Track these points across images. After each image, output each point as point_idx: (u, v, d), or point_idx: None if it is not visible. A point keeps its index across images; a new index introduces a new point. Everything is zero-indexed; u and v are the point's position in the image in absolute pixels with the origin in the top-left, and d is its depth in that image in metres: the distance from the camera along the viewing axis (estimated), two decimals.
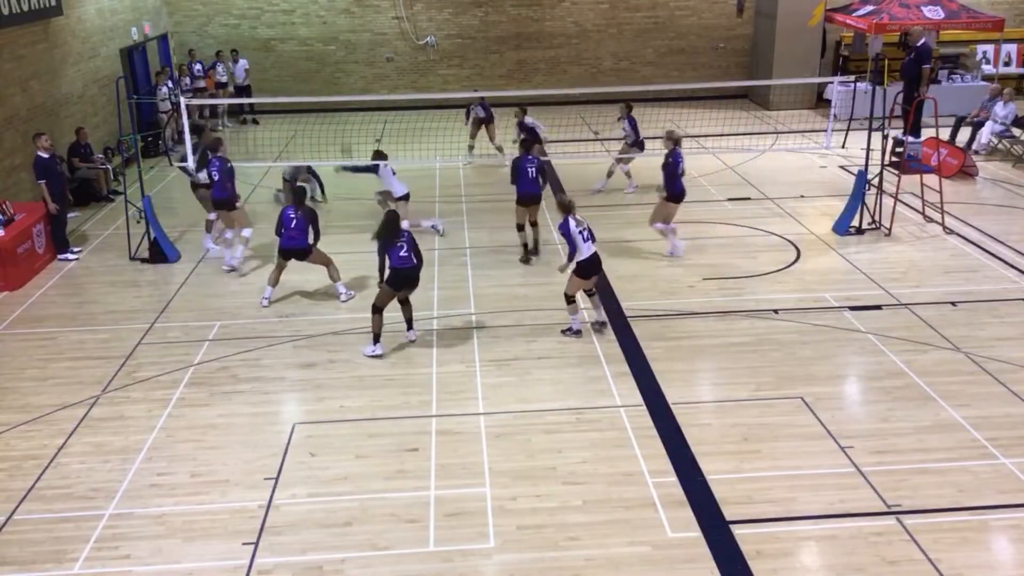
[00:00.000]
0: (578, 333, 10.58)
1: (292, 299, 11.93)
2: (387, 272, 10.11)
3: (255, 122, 22.74)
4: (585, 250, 10.28)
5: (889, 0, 20.95)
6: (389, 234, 10.03)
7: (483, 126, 18.20)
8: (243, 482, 7.95)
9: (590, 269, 10.38)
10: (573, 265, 10.39)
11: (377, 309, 10.13)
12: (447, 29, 24.16)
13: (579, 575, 6.75)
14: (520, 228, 13.08)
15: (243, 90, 22.29)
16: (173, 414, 9.14)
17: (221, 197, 12.83)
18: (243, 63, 22.46)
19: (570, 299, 10.54)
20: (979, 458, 8.08)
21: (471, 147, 18.36)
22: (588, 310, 10.89)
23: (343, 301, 11.73)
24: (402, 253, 10.01)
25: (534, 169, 12.79)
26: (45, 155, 13.20)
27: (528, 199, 12.86)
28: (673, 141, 12.82)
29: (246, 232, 13.05)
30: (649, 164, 15.52)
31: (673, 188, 12.76)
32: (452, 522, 7.34)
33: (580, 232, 10.26)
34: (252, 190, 17.09)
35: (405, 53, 24.28)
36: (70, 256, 13.56)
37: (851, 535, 7.09)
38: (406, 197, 13.83)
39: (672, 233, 13.01)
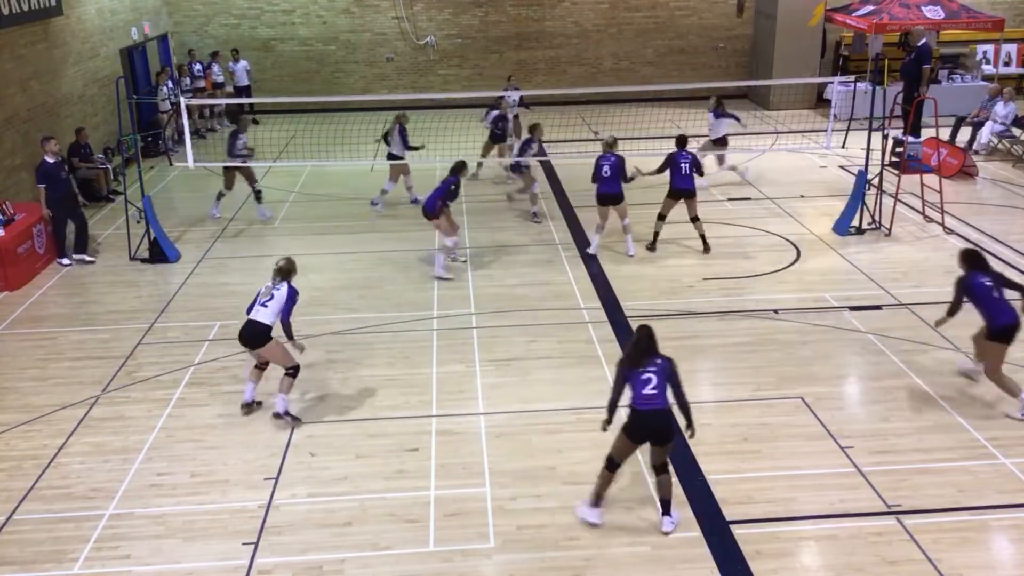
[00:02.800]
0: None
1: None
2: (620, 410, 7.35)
3: (255, 122, 22.71)
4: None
5: (889, 0, 20.95)
6: (635, 353, 7.11)
7: (498, 145, 16.89)
8: (243, 482, 7.95)
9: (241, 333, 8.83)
10: None
11: (612, 464, 7.20)
12: (447, 29, 24.16)
13: (579, 575, 6.76)
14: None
15: (243, 90, 22.26)
16: (173, 414, 9.13)
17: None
18: (244, 64, 22.40)
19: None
20: (979, 458, 8.08)
21: (480, 164, 17.32)
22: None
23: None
24: (647, 389, 6.98)
25: (609, 167, 12.62)
26: (51, 160, 13.01)
27: (605, 199, 12.74)
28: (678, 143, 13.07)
29: (449, 241, 12.60)
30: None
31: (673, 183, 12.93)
32: (452, 522, 7.34)
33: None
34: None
35: (405, 53, 24.28)
36: (64, 262, 13.31)
37: (851, 535, 7.09)
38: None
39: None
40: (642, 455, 7.64)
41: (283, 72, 24.10)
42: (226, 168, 15.02)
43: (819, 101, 23.34)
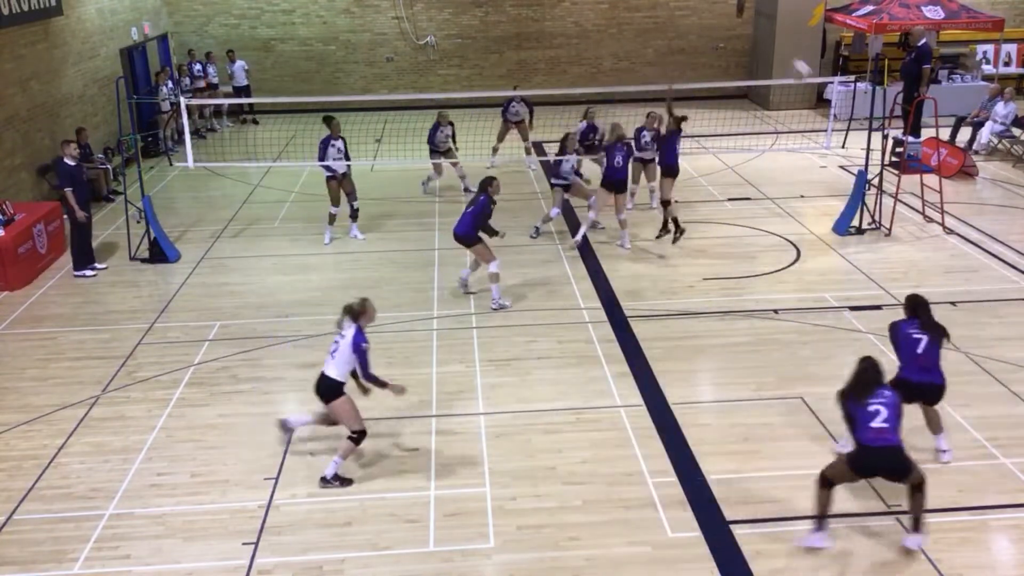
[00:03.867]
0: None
1: (292, 299, 11.93)
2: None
3: (255, 122, 22.74)
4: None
5: (889, 0, 20.94)
6: (859, 385, 6.75)
7: (516, 126, 17.55)
8: (243, 482, 7.95)
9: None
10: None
11: (827, 482, 6.87)
12: (447, 29, 24.16)
13: (579, 575, 6.76)
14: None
15: (243, 90, 22.24)
16: (173, 414, 9.14)
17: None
18: (241, 64, 22.33)
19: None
20: (979, 458, 8.08)
21: (496, 149, 17.74)
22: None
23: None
24: (875, 423, 6.53)
25: (622, 158, 13.08)
26: (72, 163, 12.72)
27: (612, 186, 13.12)
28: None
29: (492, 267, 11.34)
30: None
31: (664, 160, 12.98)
32: (452, 522, 7.34)
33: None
34: (252, 190, 17.09)
35: (405, 53, 24.27)
36: (88, 273, 12.83)
37: (851, 535, 7.08)
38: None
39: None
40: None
41: (283, 72, 24.10)
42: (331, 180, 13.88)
43: (819, 101, 23.34)
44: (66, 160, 12.77)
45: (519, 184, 17.00)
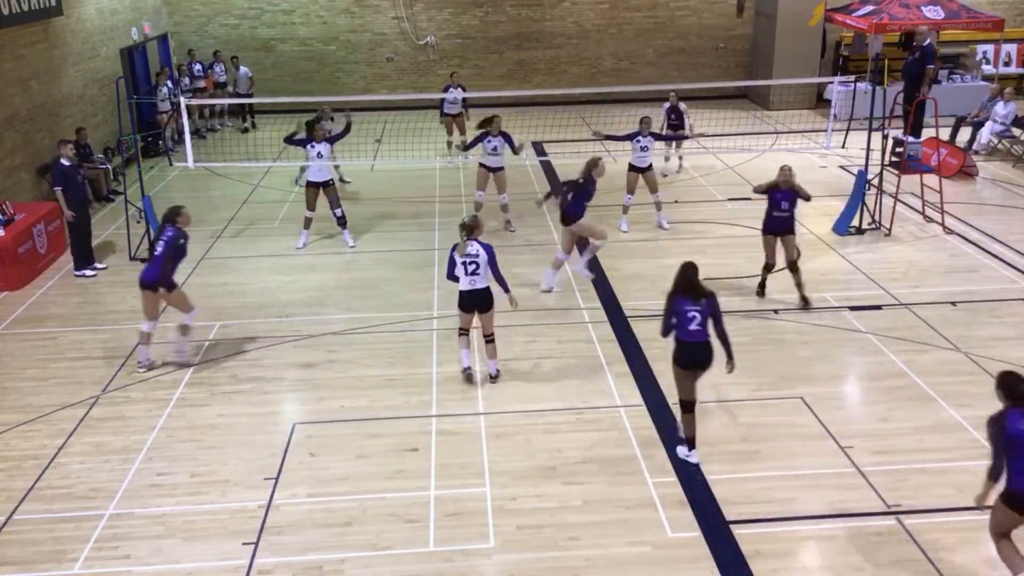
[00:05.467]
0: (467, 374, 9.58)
1: (292, 299, 11.93)
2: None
3: (253, 126, 22.48)
4: (463, 283, 9.22)
5: (889, 0, 20.94)
6: (688, 290, 7.79)
7: (454, 119, 18.17)
8: (243, 482, 7.95)
9: (464, 303, 9.29)
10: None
11: (683, 404, 7.96)
12: (447, 29, 24.16)
13: (579, 575, 6.76)
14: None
15: (243, 97, 22.08)
16: (173, 414, 9.14)
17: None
18: (245, 71, 22.14)
19: (461, 331, 9.51)
20: (979, 458, 8.03)
21: (450, 143, 18.26)
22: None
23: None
24: (692, 326, 7.70)
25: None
26: (67, 163, 12.77)
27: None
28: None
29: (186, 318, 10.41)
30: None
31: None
32: (452, 522, 7.35)
33: (463, 262, 9.15)
34: (252, 190, 17.10)
35: (405, 53, 24.27)
36: (88, 272, 12.86)
37: (851, 535, 7.09)
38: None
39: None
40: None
41: (283, 72, 24.09)
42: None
43: (819, 101, 23.34)
44: (62, 160, 12.83)
45: (520, 184, 16.98)
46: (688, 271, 7.84)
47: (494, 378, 9.53)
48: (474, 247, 9.11)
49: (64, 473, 8.17)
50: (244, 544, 7.14)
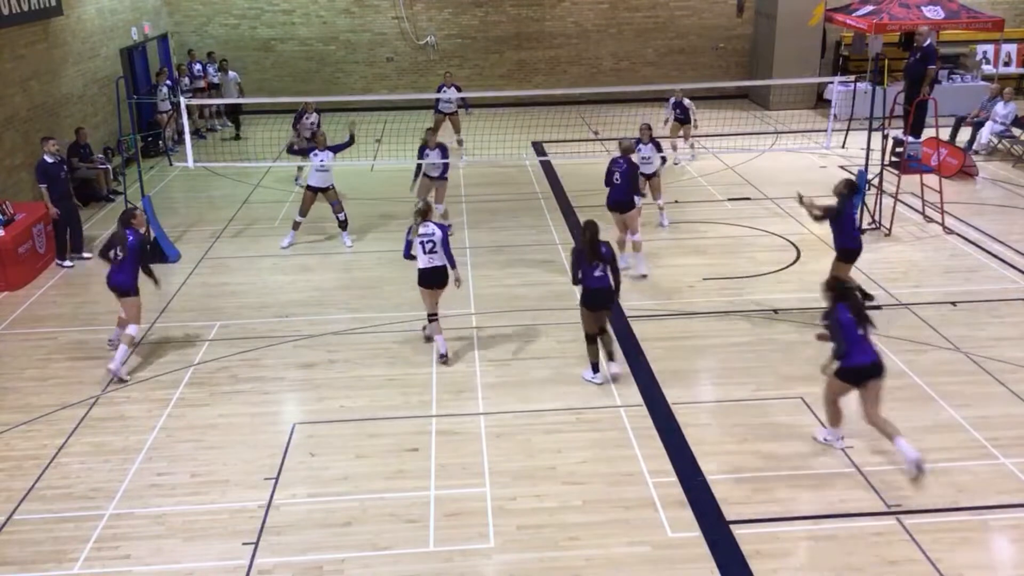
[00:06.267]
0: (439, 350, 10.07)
1: (292, 299, 11.93)
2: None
3: (237, 137, 21.92)
4: (422, 261, 9.83)
5: (889, 0, 20.95)
6: (591, 251, 9.09)
7: (449, 117, 18.25)
8: (243, 482, 7.95)
9: (425, 280, 9.90)
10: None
11: (588, 337, 9.43)
12: (447, 29, 24.16)
13: (579, 575, 6.76)
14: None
15: (216, 88, 21.84)
16: (173, 414, 9.14)
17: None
18: (233, 75, 21.84)
19: (430, 316, 10.12)
20: (979, 458, 8.08)
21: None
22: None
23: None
24: (597, 272, 9.12)
25: (620, 175, 11.96)
26: (50, 159, 13.02)
27: (615, 206, 12.09)
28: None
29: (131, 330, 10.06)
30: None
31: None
32: (452, 522, 7.35)
33: (421, 242, 9.78)
34: (252, 190, 17.10)
35: (405, 53, 24.28)
36: (67, 263, 13.30)
37: (851, 535, 7.09)
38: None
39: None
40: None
41: (283, 72, 24.10)
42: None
43: (819, 101, 23.34)
44: (45, 157, 13.03)
45: (520, 184, 17.01)
46: (591, 229, 9.10)
47: (444, 357, 9.96)
48: (429, 227, 9.84)
49: (64, 473, 8.17)
50: (244, 544, 7.14)
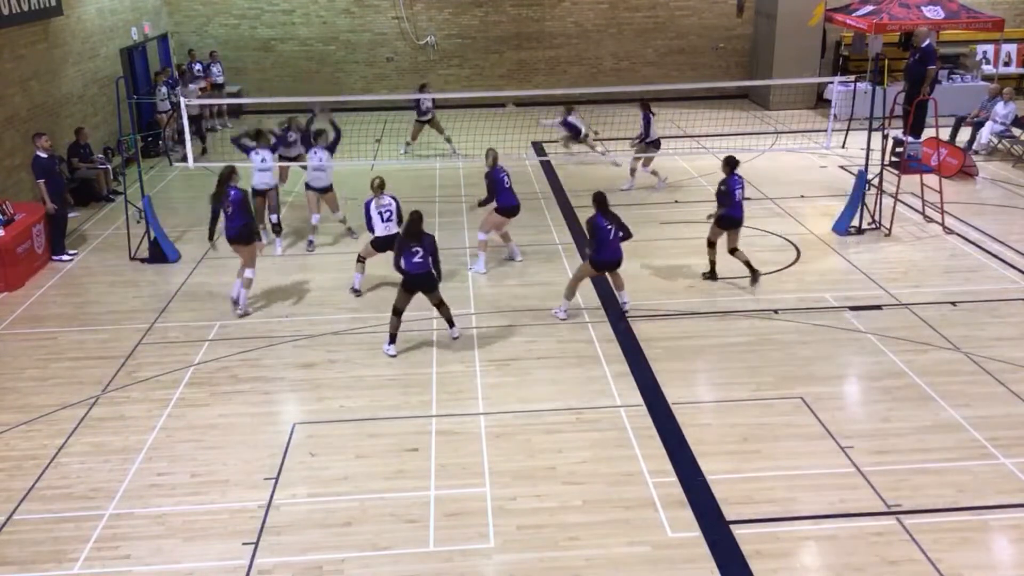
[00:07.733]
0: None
1: (292, 299, 11.93)
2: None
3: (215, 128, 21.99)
4: (379, 229, 11.39)
5: (889, 0, 20.95)
6: (410, 234, 9.97)
7: (429, 124, 18.45)
8: (243, 482, 7.95)
9: (380, 244, 11.48)
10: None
11: (395, 311, 10.24)
12: (447, 29, 24.16)
13: (579, 575, 6.76)
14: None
15: (218, 87, 22.06)
16: (173, 414, 9.14)
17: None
18: (217, 68, 22.24)
19: (360, 258, 11.96)
20: (979, 458, 8.08)
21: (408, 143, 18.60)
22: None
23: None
24: (416, 259, 9.93)
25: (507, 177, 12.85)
26: (44, 155, 13.17)
27: (509, 211, 12.72)
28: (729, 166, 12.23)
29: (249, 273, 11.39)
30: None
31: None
32: (452, 522, 7.35)
33: (379, 212, 11.33)
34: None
35: (405, 53, 24.27)
36: (64, 257, 13.45)
37: (851, 535, 7.09)
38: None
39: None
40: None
41: (283, 72, 24.09)
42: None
43: (819, 101, 23.34)
44: (39, 153, 13.14)
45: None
46: (414, 219, 9.94)
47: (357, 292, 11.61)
48: (386, 199, 11.36)
49: (64, 473, 8.17)
50: (244, 544, 7.14)
